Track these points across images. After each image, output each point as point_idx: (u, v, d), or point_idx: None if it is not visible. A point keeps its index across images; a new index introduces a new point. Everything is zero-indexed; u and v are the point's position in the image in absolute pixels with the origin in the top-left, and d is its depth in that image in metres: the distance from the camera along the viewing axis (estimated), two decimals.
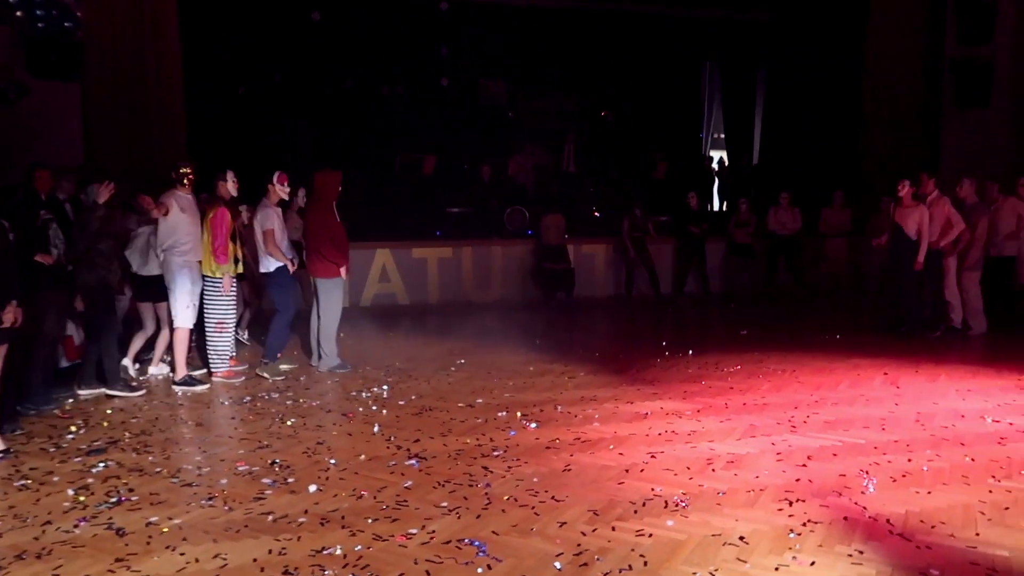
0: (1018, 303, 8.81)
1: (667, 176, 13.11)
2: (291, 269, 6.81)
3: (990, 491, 3.95)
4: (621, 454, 4.55)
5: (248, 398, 5.96)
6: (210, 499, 3.89)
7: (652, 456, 4.51)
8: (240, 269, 6.77)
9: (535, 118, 16.93)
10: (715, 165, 17.83)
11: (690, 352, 7.47)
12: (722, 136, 18.09)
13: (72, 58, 9.71)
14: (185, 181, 6.51)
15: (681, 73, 16.78)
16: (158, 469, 4.35)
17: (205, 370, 6.70)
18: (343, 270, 6.84)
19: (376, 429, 5.08)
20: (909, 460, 4.42)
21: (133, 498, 3.93)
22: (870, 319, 9.08)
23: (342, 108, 14.57)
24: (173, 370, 6.47)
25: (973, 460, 4.42)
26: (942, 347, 7.78)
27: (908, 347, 7.72)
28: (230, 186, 6.68)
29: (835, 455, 4.52)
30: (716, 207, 15.28)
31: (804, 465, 4.35)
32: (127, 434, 5.04)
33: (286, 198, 7.03)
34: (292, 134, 12.89)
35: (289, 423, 5.25)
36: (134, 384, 6.28)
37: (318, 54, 14.17)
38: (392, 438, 4.89)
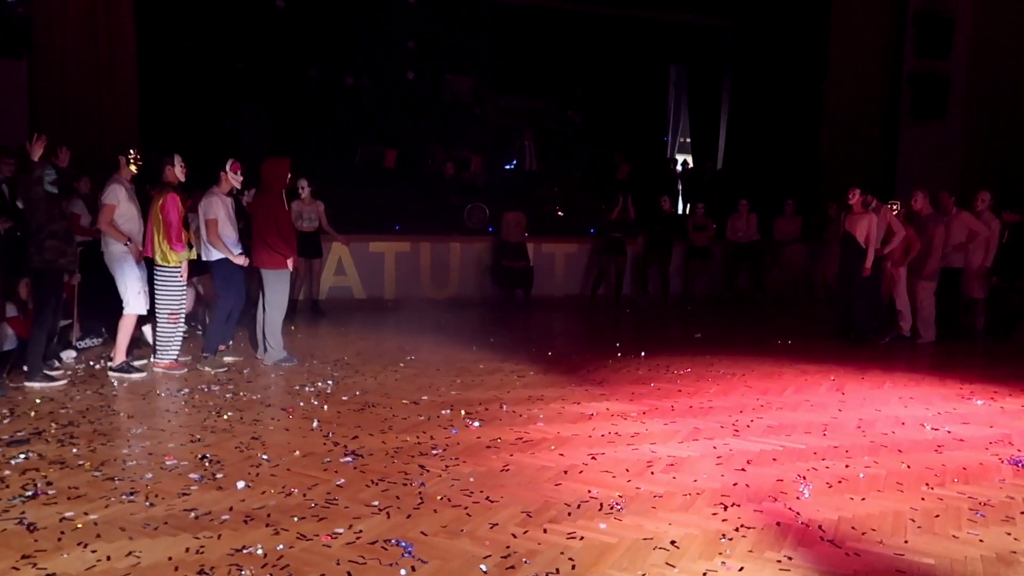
0: (963, 314, 8.95)
1: (630, 177, 13.11)
2: (242, 262, 6.59)
3: (922, 499, 3.98)
4: (561, 455, 4.50)
5: (186, 390, 5.79)
6: (131, 494, 3.75)
7: (592, 458, 4.46)
8: (193, 255, 6.62)
9: (501, 115, 16.91)
10: (679, 167, 18.00)
11: (643, 354, 7.46)
12: (688, 140, 18.25)
13: (19, 35, 9.39)
14: (134, 167, 6.33)
15: (647, 76, 16.84)
16: (81, 462, 4.19)
17: (145, 360, 6.51)
18: (290, 261, 6.70)
19: (315, 425, 4.97)
20: (847, 466, 4.43)
21: (50, 492, 3.77)
22: (821, 326, 9.16)
23: (304, 98, 14.36)
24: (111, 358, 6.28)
25: (909, 467, 4.44)
26: (890, 355, 7.88)
27: (857, 354, 7.80)
28: (178, 171, 6.50)
29: (775, 460, 4.52)
30: (679, 210, 15.37)
31: (743, 470, 4.33)
32: (54, 425, 4.85)
33: (238, 186, 6.85)
34: (251, 122, 12.64)
35: (225, 417, 5.10)
36: (54, 374, 6.03)
37: (282, 42, 13.93)
38: (330, 434, 4.78)
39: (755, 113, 15.42)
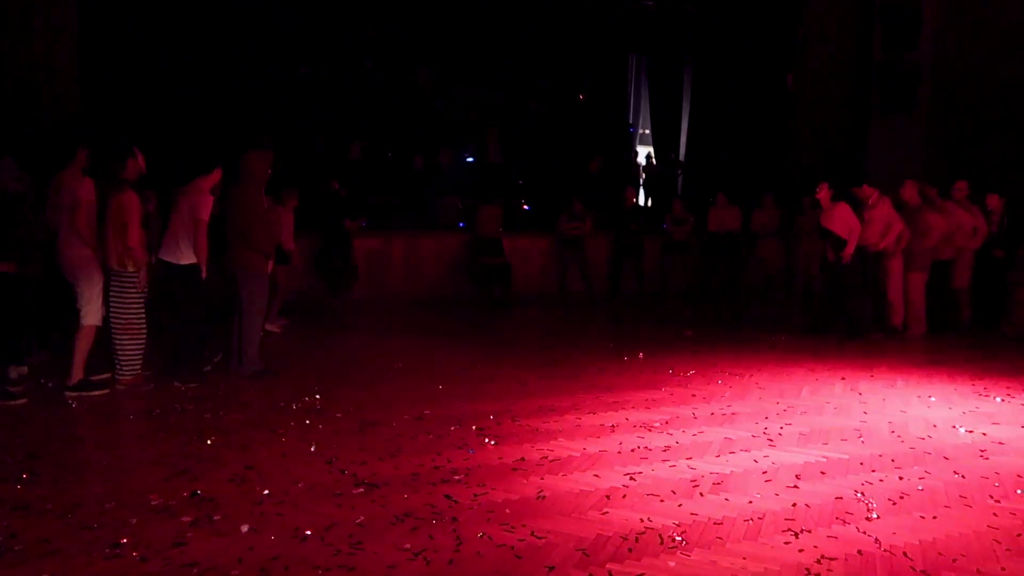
0: (951, 308, 8.85)
1: (601, 171, 12.79)
2: (204, 271, 5.98)
3: (994, 514, 3.70)
4: (596, 476, 4.08)
5: (158, 411, 5.17)
6: (116, 547, 3.18)
7: (631, 478, 4.06)
8: (152, 260, 6.02)
9: (463, 107, 16.40)
10: (642, 160, 17.77)
11: (641, 355, 7.09)
12: (648, 132, 18.03)
13: None
14: (89, 161, 5.70)
15: (608, 66, 16.56)
16: (49, 505, 3.59)
17: (108, 375, 5.83)
18: (270, 263, 6.15)
19: (313, 448, 4.44)
20: (900, 479, 4.14)
21: (16, 548, 3.17)
22: (804, 319, 8.93)
23: (260, 87, 13.60)
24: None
25: (964, 477, 4.18)
26: (887, 349, 7.71)
27: (856, 349, 7.60)
28: (138, 166, 5.86)
29: (823, 473, 4.20)
30: (642, 204, 15.11)
31: (795, 487, 3.99)
32: (9, 458, 4.21)
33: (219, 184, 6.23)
34: (202, 112, 11.85)
35: (209, 442, 4.53)
36: (15, 390, 5.36)
37: (233, 31, 13.16)
38: (333, 460, 4.26)
39: (718, 104, 15.27)
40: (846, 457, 4.48)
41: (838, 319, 8.23)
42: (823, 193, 8.06)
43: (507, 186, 12.66)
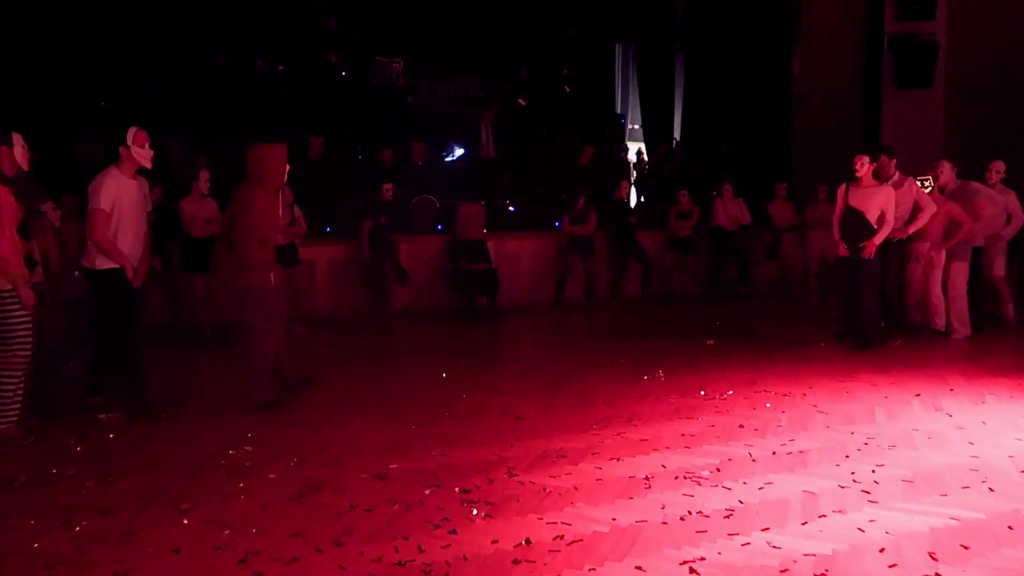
0: (988, 300, 7.56)
1: (593, 163, 11.52)
2: (129, 273, 4.74)
3: None
4: (640, 569, 2.76)
5: (24, 478, 3.77)
6: None
7: (692, 571, 2.74)
8: (39, 275, 4.74)
9: (437, 103, 15.15)
10: (632, 158, 16.54)
11: (661, 373, 5.79)
12: (637, 127, 16.83)
13: None
14: None
15: (592, 56, 15.35)
16: None
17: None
18: (272, 275, 4.93)
19: (226, 534, 3.09)
20: None
21: None
22: (831, 323, 7.62)
23: (209, 84, 12.28)
24: None
25: None
26: (939, 354, 6.46)
27: (912, 356, 6.35)
28: (18, 155, 4.54)
29: (965, 548, 2.90)
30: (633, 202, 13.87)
31: (936, 575, 2.70)
32: None
33: (148, 165, 4.88)
34: (140, 102, 10.47)
35: (77, 529, 3.16)
36: None
37: (182, 23, 11.85)
38: (250, 556, 2.90)
39: (713, 91, 14.11)
40: (982, 517, 3.18)
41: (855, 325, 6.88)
42: (863, 168, 6.55)
43: (494, 184, 11.37)
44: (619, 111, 16.14)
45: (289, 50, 13.25)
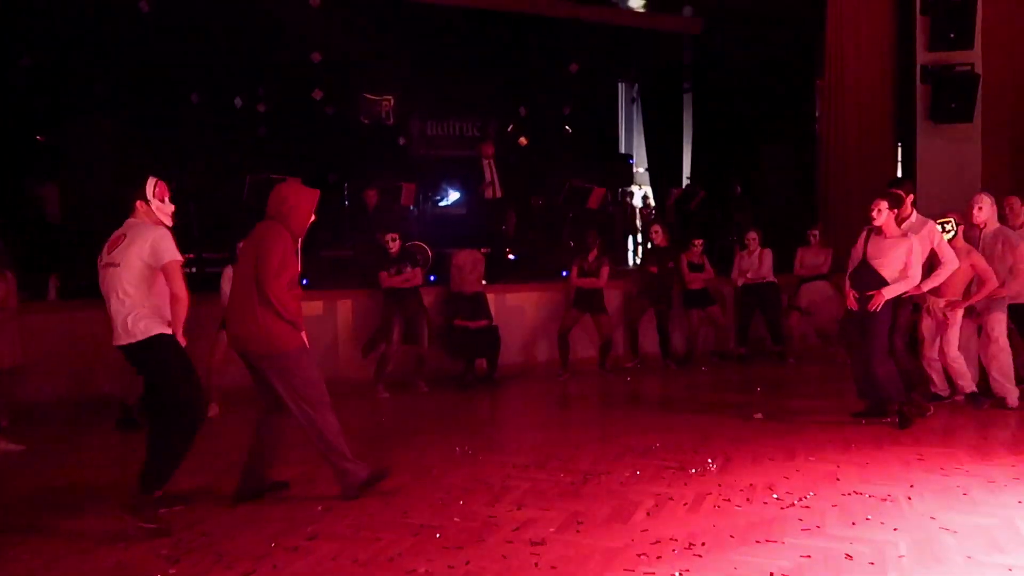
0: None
1: (602, 206, 10.42)
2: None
3: None
4: None
5: None
6: None
7: None
8: None
9: (430, 144, 14.17)
10: (637, 202, 15.54)
11: (711, 463, 4.56)
12: (644, 171, 15.85)
13: None
14: None
15: (597, 95, 14.43)
16: None
17: None
18: (304, 334, 4.11)
19: None
20: None
21: None
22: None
23: (184, 123, 11.28)
24: None
25: None
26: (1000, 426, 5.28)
27: (988, 429, 5.16)
28: None
29: None
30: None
31: None
32: None
33: (168, 223, 4.01)
34: (86, 133, 9.35)
35: None
36: None
37: (151, 57, 10.88)
38: None
39: (728, 132, 13.15)
40: None
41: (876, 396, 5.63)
42: (881, 215, 5.35)
43: (496, 229, 10.23)
44: (621, 148, 15.19)
45: (269, 86, 12.31)
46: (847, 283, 5.58)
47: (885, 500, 3.93)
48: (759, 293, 8.76)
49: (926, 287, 5.52)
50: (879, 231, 5.43)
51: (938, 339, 5.85)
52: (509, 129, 13.06)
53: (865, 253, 5.45)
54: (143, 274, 3.78)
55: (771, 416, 5.82)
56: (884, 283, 5.32)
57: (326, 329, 7.58)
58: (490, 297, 7.90)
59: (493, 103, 13.38)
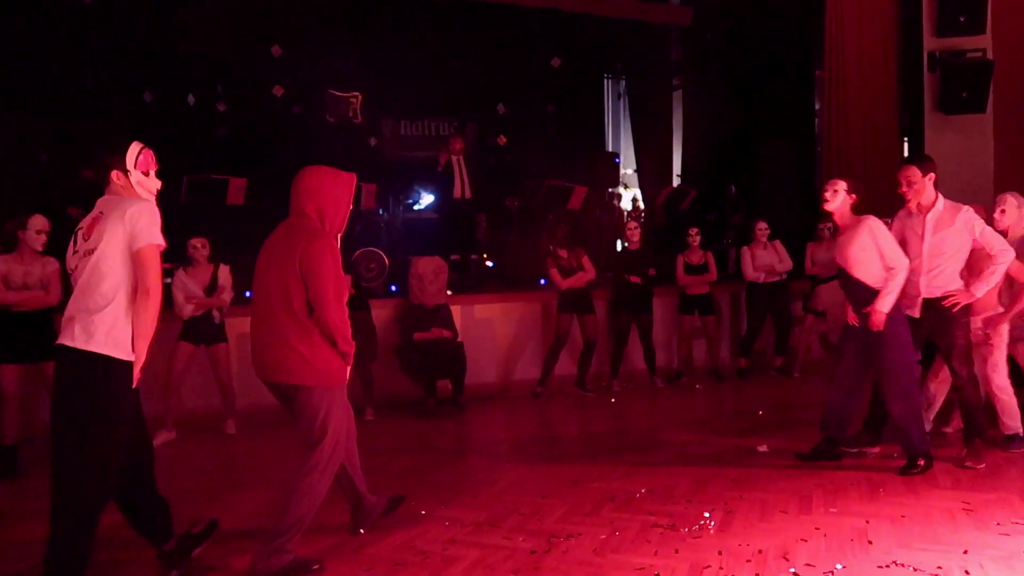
0: None
1: (586, 207, 9.51)
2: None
3: None
4: None
5: None
6: None
7: None
8: None
9: (404, 145, 13.30)
10: (626, 205, 14.66)
11: (708, 518, 3.64)
12: (632, 172, 14.97)
13: None
14: None
15: (581, 91, 13.56)
16: None
17: None
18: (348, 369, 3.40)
19: None
20: None
21: None
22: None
23: (138, 121, 10.38)
24: None
25: None
26: None
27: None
28: None
29: None
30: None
31: None
32: None
33: (150, 194, 3.10)
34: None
35: None
36: None
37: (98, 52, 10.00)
38: None
39: (722, 129, 12.29)
40: None
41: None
42: (835, 199, 4.34)
43: (467, 234, 9.29)
44: (610, 150, 14.30)
45: (228, 83, 11.42)
46: (846, 296, 4.56)
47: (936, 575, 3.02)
48: (772, 293, 7.77)
49: (978, 291, 4.37)
50: (834, 226, 4.47)
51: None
52: (502, 142, 12.08)
53: (836, 255, 4.50)
54: (127, 265, 2.87)
55: (777, 449, 4.91)
56: (870, 291, 4.27)
57: None
58: (455, 309, 6.99)
59: (470, 101, 12.52)
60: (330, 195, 3.28)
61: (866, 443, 4.78)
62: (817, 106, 11.50)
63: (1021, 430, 4.71)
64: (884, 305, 4.21)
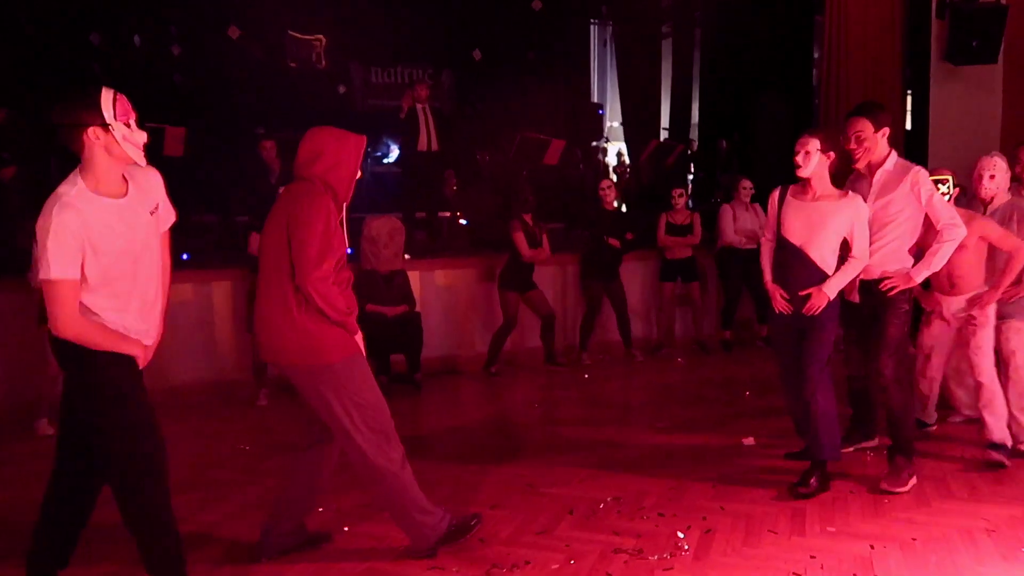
0: None
1: (563, 160, 8.76)
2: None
3: None
4: None
5: None
6: None
7: None
8: None
9: (374, 94, 12.51)
10: (611, 160, 13.99)
11: (682, 540, 3.04)
12: (617, 125, 14.22)
13: None
14: None
15: (565, 37, 12.71)
16: None
17: None
18: (359, 337, 3.01)
19: None
20: None
21: None
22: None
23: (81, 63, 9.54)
24: None
25: None
26: None
27: None
28: None
29: None
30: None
31: None
32: None
33: (141, 161, 2.50)
34: None
35: None
36: None
37: None
38: None
39: (713, 79, 11.55)
40: None
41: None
42: (808, 159, 3.57)
43: (433, 188, 8.54)
44: (595, 100, 13.52)
45: (181, 24, 10.54)
46: (768, 274, 3.79)
47: None
48: (746, 260, 7.09)
49: (919, 275, 3.65)
50: (804, 188, 3.66)
51: (934, 354, 4.26)
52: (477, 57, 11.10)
53: (780, 225, 3.68)
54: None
55: (765, 444, 4.31)
56: (820, 274, 3.56)
57: (199, 313, 5.95)
58: (414, 276, 6.31)
59: (445, 47, 11.66)
60: (334, 158, 2.89)
61: (860, 439, 4.21)
62: (816, 55, 10.72)
63: (1008, 439, 3.95)
64: (831, 290, 3.54)
